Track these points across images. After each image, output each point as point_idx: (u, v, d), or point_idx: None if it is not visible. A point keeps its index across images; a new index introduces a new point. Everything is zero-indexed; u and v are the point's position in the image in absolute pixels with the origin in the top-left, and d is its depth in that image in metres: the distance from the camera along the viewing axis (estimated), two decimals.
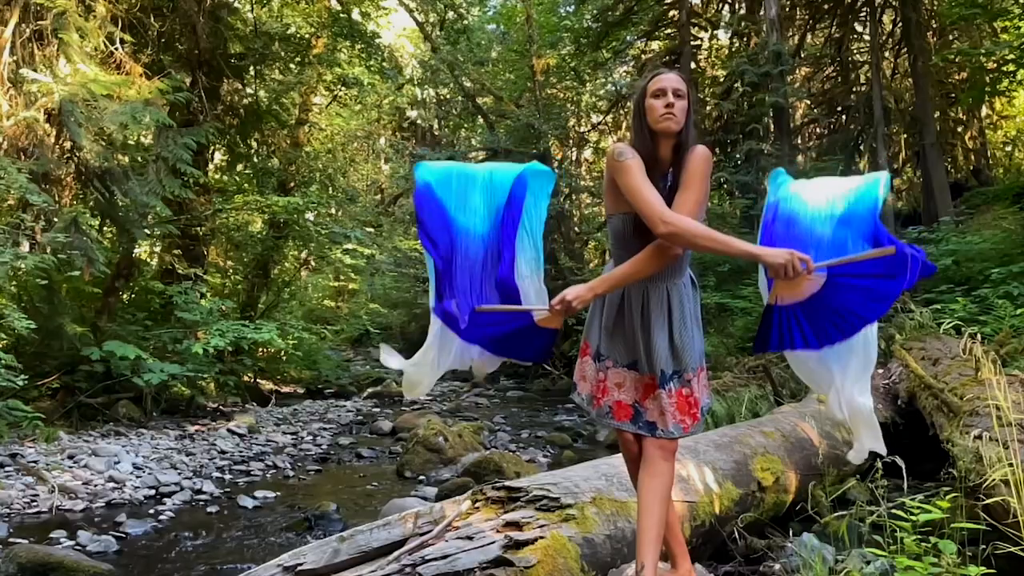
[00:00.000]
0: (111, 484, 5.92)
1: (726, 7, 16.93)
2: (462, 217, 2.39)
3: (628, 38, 16.69)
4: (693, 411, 2.35)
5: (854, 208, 2.25)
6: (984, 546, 2.70)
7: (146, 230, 9.46)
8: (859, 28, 15.38)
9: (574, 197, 19.10)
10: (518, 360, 2.65)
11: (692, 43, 15.38)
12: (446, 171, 2.44)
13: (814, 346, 2.27)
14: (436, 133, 23.83)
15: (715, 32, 16.95)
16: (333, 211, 14.26)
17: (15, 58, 7.79)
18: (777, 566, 3.26)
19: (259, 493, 5.99)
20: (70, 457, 6.50)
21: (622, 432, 2.51)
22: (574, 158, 21.21)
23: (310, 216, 12.09)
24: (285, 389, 12.80)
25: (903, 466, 3.12)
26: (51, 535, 4.70)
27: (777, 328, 2.28)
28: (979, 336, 4.66)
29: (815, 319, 2.22)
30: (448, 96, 20.98)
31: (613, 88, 18.90)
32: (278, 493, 6.08)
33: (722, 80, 15.26)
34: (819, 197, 2.37)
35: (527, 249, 2.44)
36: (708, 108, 14.78)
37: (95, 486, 5.83)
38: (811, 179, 2.54)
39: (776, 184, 2.51)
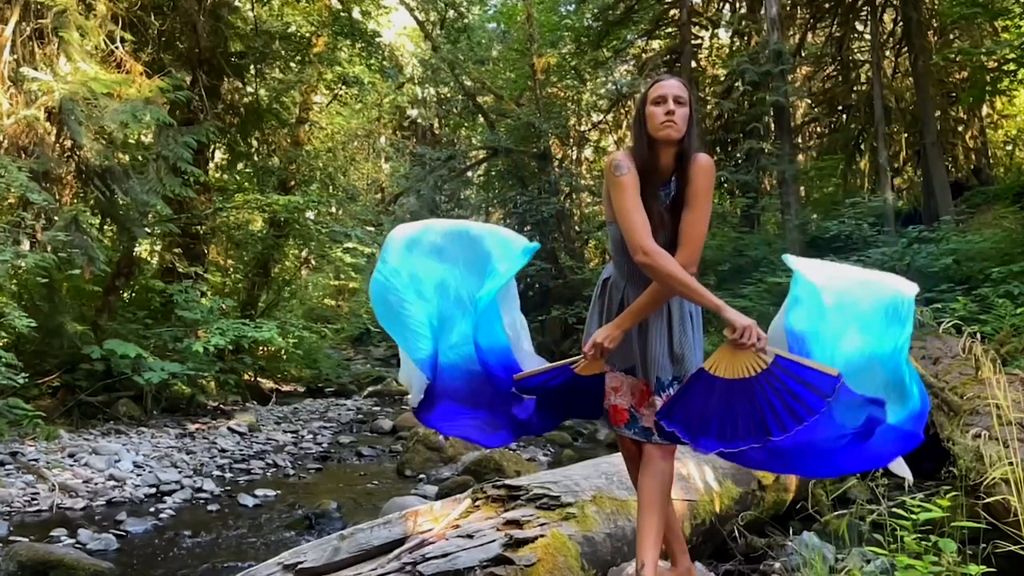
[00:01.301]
0: (111, 482, 5.92)
1: (727, 6, 16.91)
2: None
3: (629, 37, 16.67)
4: None
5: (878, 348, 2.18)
6: (984, 545, 2.70)
7: (146, 229, 9.47)
8: (860, 27, 15.35)
9: (574, 196, 19.10)
10: (580, 418, 2.64)
11: (693, 42, 15.37)
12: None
13: (706, 446, 2.15)
14: (436, 132, 23.82)
15: (716, 31, 16.92)
16: (333, 210, 14.25)
17: (15, 56, 7.79)
18: (777, 564, 3.26)
19: (259, 491, 5.99)
20: (70, 455, 6.50)
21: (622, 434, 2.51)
22: (574, 157, 21.20)
23: (310, 215, 12.09)
24: (285, 388, 12.80)
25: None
26: (51, 533, 4.71)
27: (687, 400, 2.15)
28: (979, 335, 4.66)
29: (729, 412, 2.10)
30: (448, 95, 20.96)
31: (614, 87, 18.88)
32: (278, 491, 6.08)
33: (723, 79, 15.24)
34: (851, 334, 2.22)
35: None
36: (709, 107, 14.77)
37: (95, 484, 5.84)
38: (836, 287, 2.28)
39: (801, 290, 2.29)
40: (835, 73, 15.83)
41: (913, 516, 2.65)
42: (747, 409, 2.07)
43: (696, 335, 2.39)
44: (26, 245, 7.75)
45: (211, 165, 12.45)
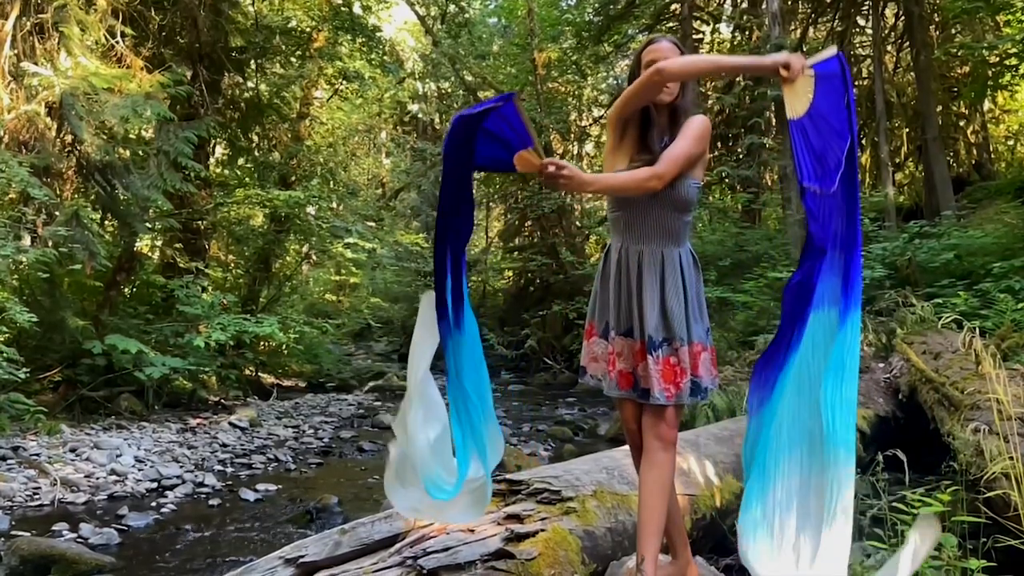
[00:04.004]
0: (113, 477, 5.93)
1: (728, 1, 16.88)
2: None
3: (630, 32, 16.64)
4: (678, 380, 2.32)
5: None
6: (984, 539, 2.70)
7: (147, 224, 9.46)
8: (861, 22, 15.33)
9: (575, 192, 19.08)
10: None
11: (694, 37, 15.33)
12: None
13: (817, 181, 2.14)
14: (437, 127, 23.79)
15: (717, 26, 16.89)
16: (334, 205, 14.25)
17: (16, 51, 7.78)
18: None
19: (261, 486, 6.01)
20: (72, 450, 6.51)
21: (626, 420, 2.51)
22: (575, 152, 21.18)
23: (311, 210, 12.09)
24: (286, 383, 12.80)
25: (904, 460, 3.12)
26: (53, 528, 4.72)
27: (799, 153, 2.19)
28: (980, 330, 4.66)
29: (816, 138, 2.17)
30: (449, 90, 20.93)
31: (615, 82, 18.85)
32: (280, 486, 6.09)
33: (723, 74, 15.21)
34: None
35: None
36: (710, 102, 14.75)
37: (97, 479, 5.85)
38: None
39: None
40: None
41: (913, 510, 2.66)
42: (826, 124, 2.16)
43: (694, 305, 2.39)
44: (27, 240, 7.75)
45: (212, 160, 12.45)
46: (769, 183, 14.53)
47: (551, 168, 2.14)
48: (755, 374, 2.18)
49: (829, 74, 2.15)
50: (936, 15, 13.49)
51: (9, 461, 5.99)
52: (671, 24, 16.05)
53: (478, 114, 2.14)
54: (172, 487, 5.90)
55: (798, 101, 2.18)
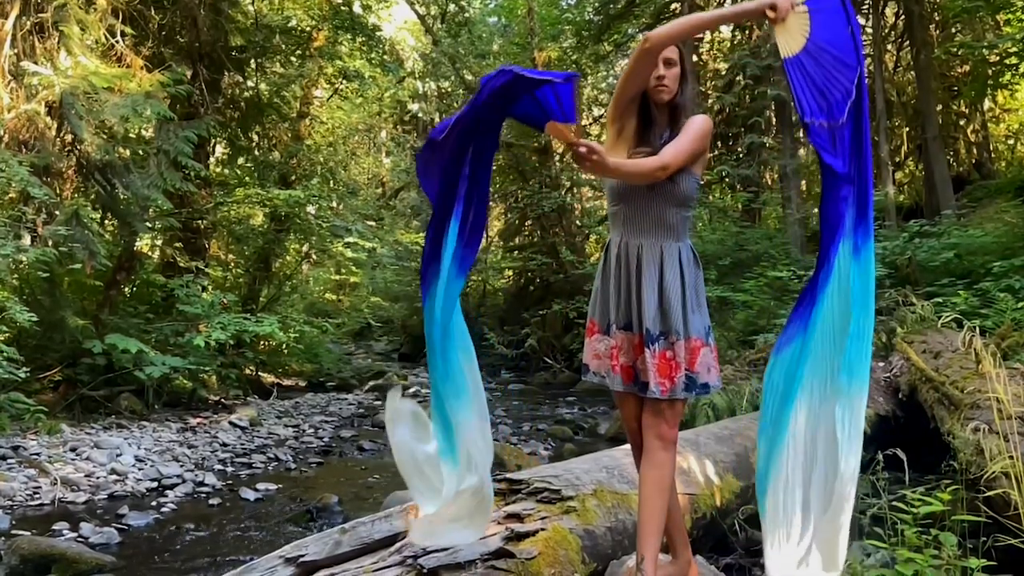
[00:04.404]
0: (113, 476, 5.93)
1: (728, 0, 16.87)
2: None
3: (630, 31, 16.64)
4: (673, 374, 2.32)
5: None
6: (984, 539, 2.70)
7: (147, 223, 9.46)
8: (862, 21, 15.32)
9: (575, 191, 19.09)
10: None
11: (694, 36, 15.33)
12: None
13: (822, 114, 2.11)
14: None
15: None
16: (334, 204, 14.25)
17: (16, 51, 7.78)
18: None
19: (261, 485, 6.01)
20: (72, 450, 6.51)
21: (627, 418, 2.51)
22: None
23: (311, 209, 12.09)
24: (286, 382, 12.79)
25: (904, 459, 3.13)
26: (53, 527, 4.72)
27: (795, 86, 2.15)
28: (980, 329, 4.65)
29: (817, 72, 2.12)
30: (449, 89, 20.92)
31: (615, 81, 18.84)
32: (280, 485, 6.10)
33: (724, 73, 15.22)
34: None
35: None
36: (710, 101, 14.75)
37: (97, 478, 5.85)
38: None
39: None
40: None
41: (913, 510, 2.66)
42: (828, 54, 2.13)
43: (693, 301, 2.39)
44: (27, 240, 7.74)
45: (212, 160, 12.45)
46: (769, 182, 14.53)
47: (583, 149, 2.16)
48: (792, 311, 2.18)
49: (827, 6, 2.11)
50: (936, 14, 13.48)
51: (9, 460, 6.00)
52: None
53: (532, 80, 2.16)
54: (172, 486, 5.90)
55: (792, 39, 2.14)
